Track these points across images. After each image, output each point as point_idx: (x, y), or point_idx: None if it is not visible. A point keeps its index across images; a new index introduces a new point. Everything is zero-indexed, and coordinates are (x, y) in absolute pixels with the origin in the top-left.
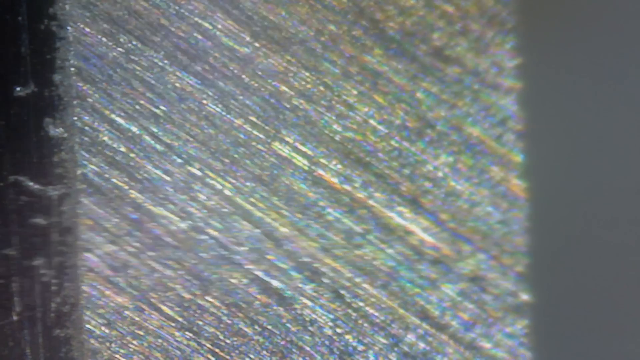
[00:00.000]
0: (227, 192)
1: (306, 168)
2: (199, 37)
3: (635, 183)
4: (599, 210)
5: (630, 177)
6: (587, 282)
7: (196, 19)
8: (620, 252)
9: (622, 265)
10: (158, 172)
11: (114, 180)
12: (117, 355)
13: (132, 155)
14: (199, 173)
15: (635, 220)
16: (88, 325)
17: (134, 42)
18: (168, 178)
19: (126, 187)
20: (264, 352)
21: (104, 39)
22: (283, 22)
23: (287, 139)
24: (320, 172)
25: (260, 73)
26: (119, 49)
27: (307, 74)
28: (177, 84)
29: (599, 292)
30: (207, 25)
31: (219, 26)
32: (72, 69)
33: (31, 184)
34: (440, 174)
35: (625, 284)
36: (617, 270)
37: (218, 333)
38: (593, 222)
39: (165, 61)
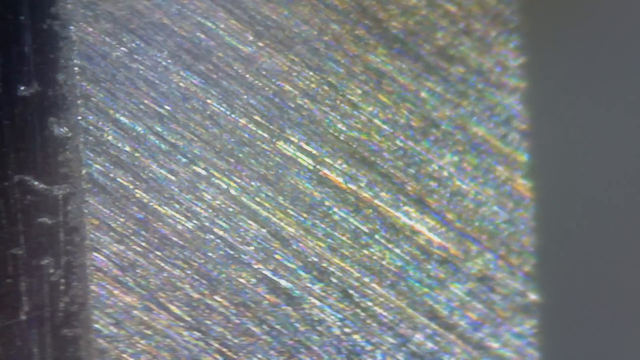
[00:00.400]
0: (232, 192)
1: (311, 167)
2: (202, 36)
3: (639, 180)
4: (605, 209)
5: (636, 174)
6: (594, 282)
7: (199, 18)
8: (627, 250)
9: (629, 263)
10: (163, 171)
11: (119, 179)
12: (124, 355)
13: (136, 154)
14: (204, 172)
15: None
16: (96, 325)
17: (137, 42)
18: (173, 177)
19: (131, 187)
20: (272, 351)
21: (107, 39)
22: (286, 22)
23: (291, 138)
24: (326, 171)
25: (264, 72)
26: (122, 49)
27: (311, 73)
28: (180, 84)
29: (605, 292)
30: (210, 24)
31: (222, 25)
32: (76, 68)
33: (36, 183)
34: (445, 173)
35: (632, 282)
36: (624, 269)
37: (226, 333)
38: (599, 221)
39: (169, 60)
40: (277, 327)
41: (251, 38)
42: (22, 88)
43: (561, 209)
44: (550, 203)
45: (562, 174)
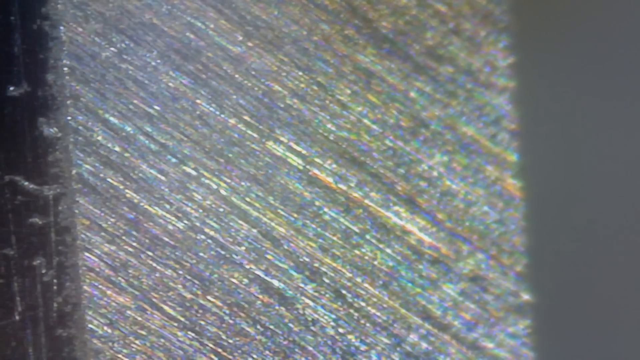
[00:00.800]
0: (222, 192)
1: (301, 168)
2: (192, 36)
3: (629, 179)
4: (595, 208)
5: (625, 173)
6: (585, 281)
7: (189, 18)
8: (618, 249)
9: (621, 262)
10: (153, 171)
11: (109, 180)
12: (119, 355)
13: (126, 154)
14: (193, 173)
15: (631, 216)
16: (90, 325)
17: (127, 42)
18: (163, 178)
19: (121, 187)
20: (267, 352)
21: (97, 39)
22: (275, 22)
23: (281, 138)
24: (315, 171)
25: (253, 72)
26: (112, 49)
27: (300, 73)
28: (170, 84)
29: (597, 291)
30: (199, 24)
31: (212, 25)
32: (65, 68)
33: (26, 183)
34: (435, 173)
35: (624, 280)
36: (616, 267)
37: (220, 333)
38: (589, 220)
39: (158, 60)
40: (271, 327)
41: (241, 38)
42: (11, 88)
43: (551, 208)
44: (540, 203)
45: (551, 173)
